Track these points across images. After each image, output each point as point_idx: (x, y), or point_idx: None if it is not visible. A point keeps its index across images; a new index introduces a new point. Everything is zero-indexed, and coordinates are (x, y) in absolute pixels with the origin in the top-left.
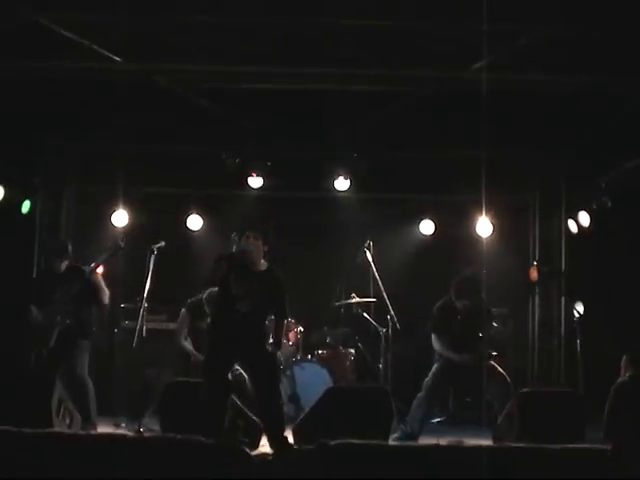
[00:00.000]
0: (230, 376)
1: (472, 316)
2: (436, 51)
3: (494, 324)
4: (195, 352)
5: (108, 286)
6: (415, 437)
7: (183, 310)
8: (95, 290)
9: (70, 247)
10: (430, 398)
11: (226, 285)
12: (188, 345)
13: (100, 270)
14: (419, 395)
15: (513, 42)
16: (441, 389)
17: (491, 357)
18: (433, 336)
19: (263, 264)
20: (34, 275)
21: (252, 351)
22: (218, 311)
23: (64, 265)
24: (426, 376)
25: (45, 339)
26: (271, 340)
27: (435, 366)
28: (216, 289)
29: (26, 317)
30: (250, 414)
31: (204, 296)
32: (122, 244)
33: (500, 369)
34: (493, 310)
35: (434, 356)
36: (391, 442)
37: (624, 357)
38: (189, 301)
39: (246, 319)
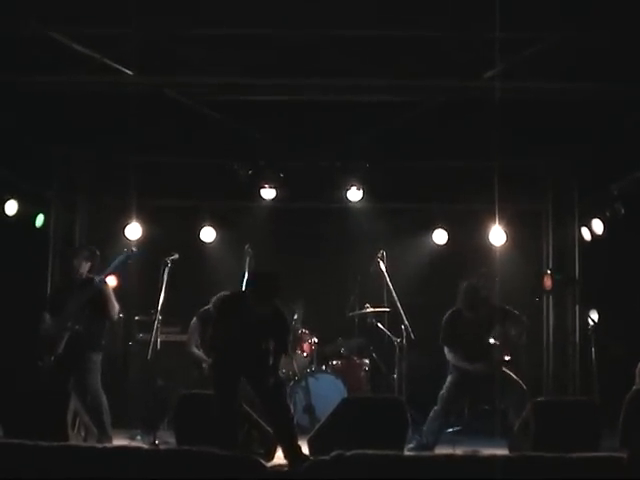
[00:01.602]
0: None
1: (482, 324)
2: (447, 60)
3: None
4: (206, 358)
5: (122, 299)
6: (431, 448)
7: (194, 319)
8: (104, 302)
9: (98, 254)
10: (446, 411)
11: (227, 318)
12: (198, 352)
13: (112, 281)
14: (435, 408)
15: (525, 50)
16: (457, 401)
17: (504, 363)
18: (445, 348)
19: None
20: (49, 287)
21: (255, 370)
22: (220, 335)
23: (86, 269)
24: (441, 386)
25: (53, 345)
26: None
27: (449, 378)
28: (223, 294)
29: (38, 325)
30: (265, 425)
31: (210, 306)
32: (135, 250)
33: (515, 377)
34: (508, 308)
35: (448, 367)
36: (406, 452)
37: (639, 365)
38: (200, 311)
39: (248, 345)
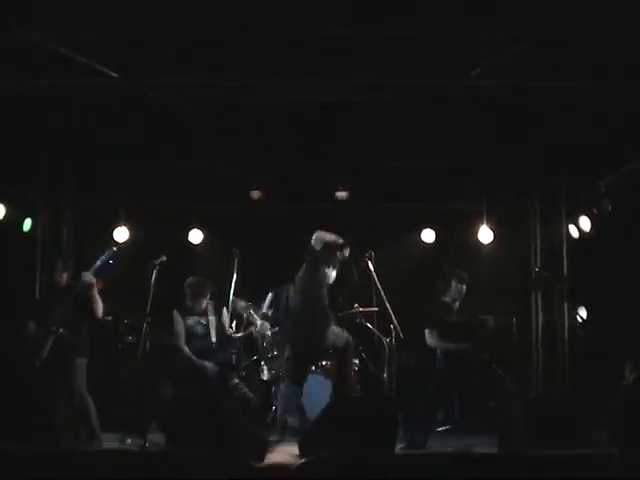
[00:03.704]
0: (234, 391)
1: (465, 311)
2: (434, 59)
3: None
4: (196, 360)
5: (108, 301)
6: (422, 445)
7: (176, 313)
8: (88, 302)
9: (71, 261)
10: (433, 404)
11: None
12: (187, 350)
13: (98, 285)
14: (422, 402)
15: (511, 48)
16: (444, 395)
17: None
18: (426, 332)
19: None
20: (37, 293)
21: None
22: None
23: (65, 276)
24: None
25: (38, 350)
26: None
27: (437, 371)
28: None
29: (22, 331)
30: (256, 427)
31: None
32: (115, 249)
33: (502, 373)
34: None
35: (436, 361)
36: (398, 451)
37: (627, 361)
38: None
39: None
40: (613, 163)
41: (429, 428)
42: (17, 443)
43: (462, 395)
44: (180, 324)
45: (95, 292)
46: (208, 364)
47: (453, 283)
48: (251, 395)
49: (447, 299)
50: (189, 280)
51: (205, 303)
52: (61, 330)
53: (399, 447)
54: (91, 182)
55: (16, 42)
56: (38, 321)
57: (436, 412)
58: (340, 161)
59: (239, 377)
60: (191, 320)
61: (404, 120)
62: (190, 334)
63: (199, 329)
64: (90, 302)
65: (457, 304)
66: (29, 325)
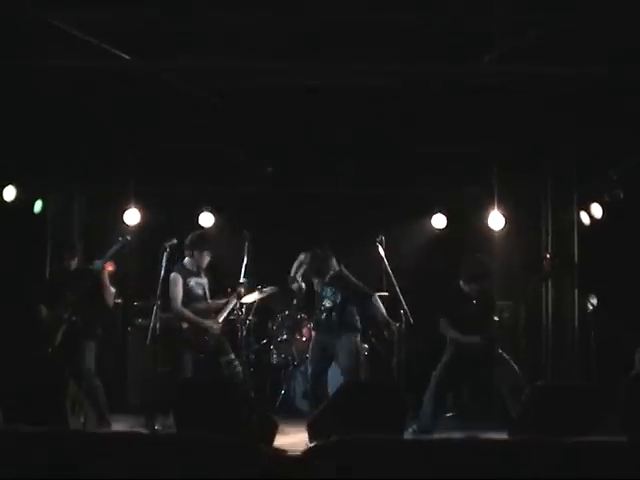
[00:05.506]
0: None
1: (481, 299)
2: (446, 44)
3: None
4: (197, 318)
5: (120, 284)
6: (430, 431)
7: (174, 274)
8: (100, 289)
9: (78, 245)
10: (439, 389)
11: None
12: (187, 311)
13: (109, 267)
14: (429, 387)
15: (523, 34)
16: (449, 380)
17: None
18: (441, 320)
19: None
20: (46, 275)
21: None
22: None
23: (74, 263)
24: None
25: (52, 337)
26: None
27: (444, 357)
28: None
29: (36, 316)
30: (264, 410)
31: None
32: (128, 238)
33: (508, 358)
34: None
35: (446, 347)
36: (406, 437)
37: (638, 348)
38: (179, 265)
39: None
40: (625, 150)
41: (436, 412)
42: (27, 425)
43: (471, 382)
44: (179, 286)
45: (106, 279)
46: (208, 322)
47: (470, 270)
48: (242, 376)
49: (464, 286)
50: (191, 236)
51: (207, 259)
52: (74, 317)
53: (407, 432)
54: (102, 164)
55: (28, 23)
56: (49, 304)
57: (442, 396)
58: (352, 145)
59: (238, 356)
60: (192, 281)
61: (416, 105)
62: (191, 295)
63: (199, 291)
64: (102, 290)
65: (473, 291)
66: (41, 310)
